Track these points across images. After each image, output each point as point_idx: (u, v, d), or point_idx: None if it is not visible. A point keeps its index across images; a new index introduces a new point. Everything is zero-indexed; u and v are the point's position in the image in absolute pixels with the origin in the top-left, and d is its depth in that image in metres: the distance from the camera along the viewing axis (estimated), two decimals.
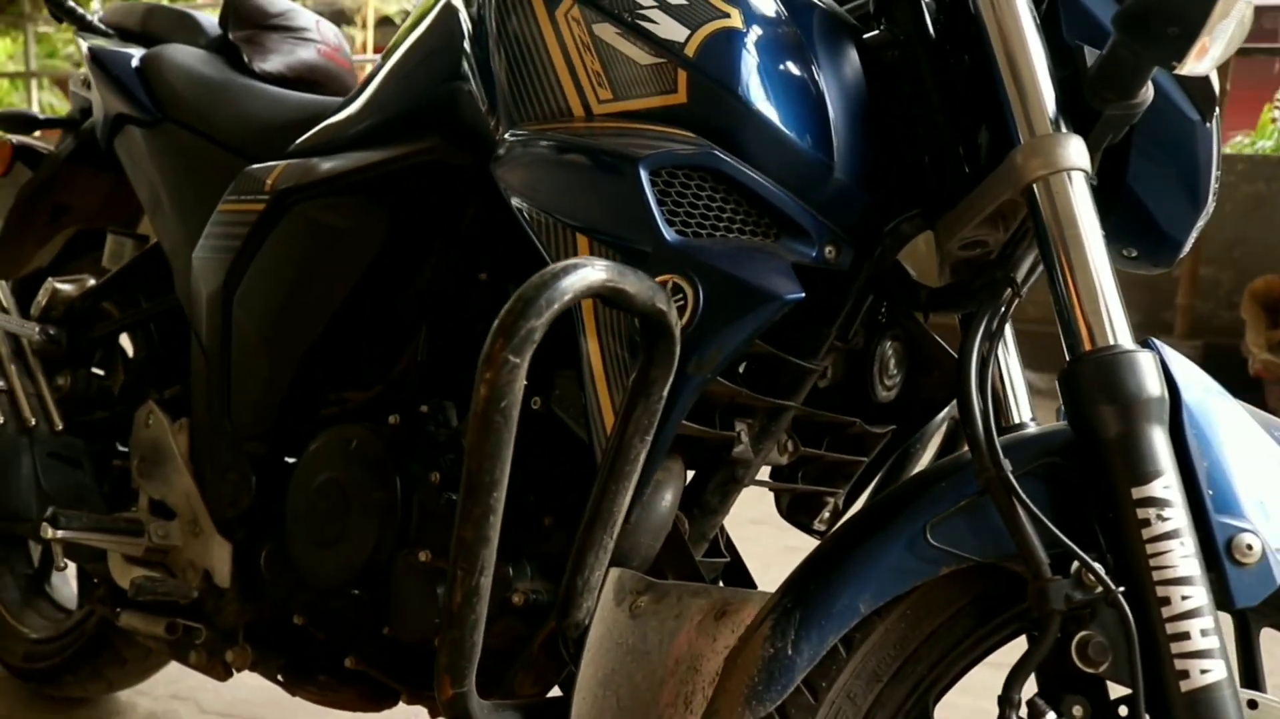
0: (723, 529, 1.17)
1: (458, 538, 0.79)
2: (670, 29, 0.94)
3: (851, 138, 0.96)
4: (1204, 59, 0.81)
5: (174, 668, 1.65)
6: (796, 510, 1.21)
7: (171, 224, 1.43)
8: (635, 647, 0.96)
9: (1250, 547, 0.80)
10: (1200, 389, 0.85)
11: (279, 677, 1.29)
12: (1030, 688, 0.82)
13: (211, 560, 1.31)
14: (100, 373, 1.60)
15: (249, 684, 1.47)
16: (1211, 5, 0.78)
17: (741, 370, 1.05)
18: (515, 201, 1.01)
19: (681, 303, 0.90)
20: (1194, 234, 1.00)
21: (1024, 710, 0.80)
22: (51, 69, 9.15)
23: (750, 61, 0.93)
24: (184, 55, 1.53)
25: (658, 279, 0.91)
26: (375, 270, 1.22)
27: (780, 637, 0.84)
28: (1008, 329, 1.07)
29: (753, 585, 1.15)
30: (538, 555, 1.09)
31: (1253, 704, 0.84)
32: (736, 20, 0.94)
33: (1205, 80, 0.92)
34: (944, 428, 1.23)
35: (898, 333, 1.14)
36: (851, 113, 0.96)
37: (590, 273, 0.76)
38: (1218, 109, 0.95)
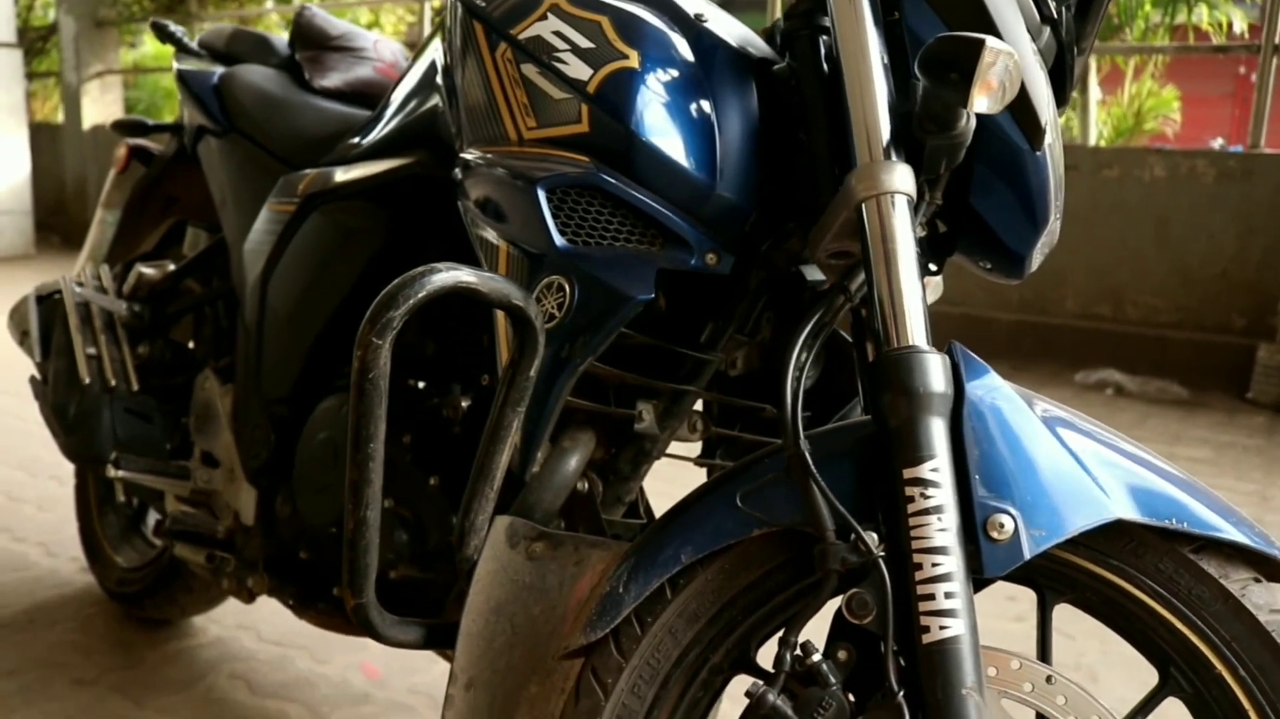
0: (643, 494, 1.34)
1: (349, 480, 0.99)
2: (578, 69, 1.10)
3: (738, 161, 1.09)
4: (990, 99, 0.92)
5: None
6: None
7: (232, 220, 1.69)
8: (532, 584, 1.14)
9: (1003, 525, 0.89)
10: (986, 389, 0.95)
11: (290, 602, 1.53)
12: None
13: (240, 503, 1.56)
14: (175, 345, 1.88)
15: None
16: (978, 53, 0.89)
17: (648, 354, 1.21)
18: (462, 210, 1.21)
19: (562, 299, 1.08)
20: (1039, 250, 1.10)
21: (799, 650, 0.94)
22: None
23: (642, 97, 1.08)
24: (254, 74, 1.78)
25: (548, 278, 1.09)
26: (378, 263, 1.43)
27: (617, 578, 1.01)
28: None
29: None
30: None
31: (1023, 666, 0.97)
32: (634, 61, 1.09)
33: (1032, 111, 1.02)
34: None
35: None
36: (741, 139, 1.10)
37: (443, 276, 0.95)
38: (1048, 138, 1.05)
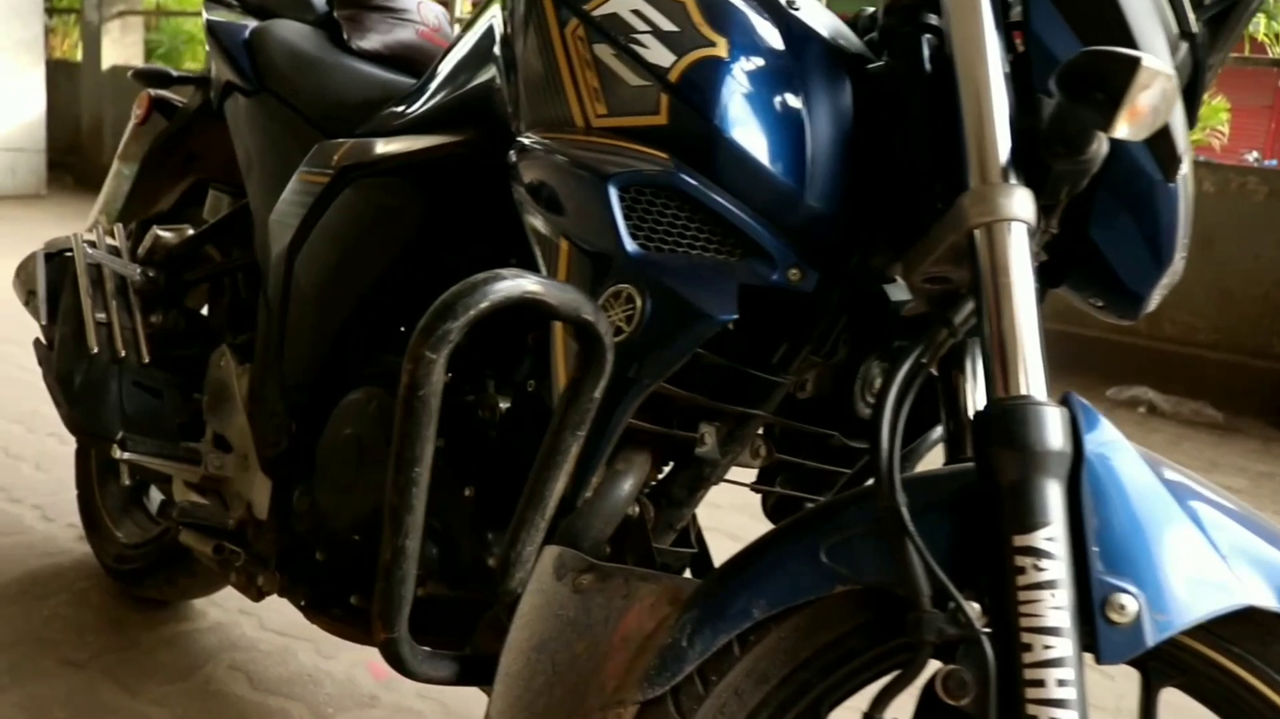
0: (694, 522, 1.23)
1: (388, 505, 0.89)
2: (658, 54, 0.99)
3: (829, 167, 0.98)
4: (1135, 125, 0.81)
5: None
6: (779, 512, 1.26)
7: (258, 186, 1.57)
8: (576, 619, 1.04)
9: (1124, 607, 0.79)
10: (1108, 449, 0.84)
11: (302, 604, 1.43)
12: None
13: (254, 493, 1.45)
14: (190, 314, 1.77)
15: None
16: (1133, 74, 0.78)
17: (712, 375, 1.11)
18: (518, 199, 1.09)
19: (631, 312, 0.97)
20: (1159, 290, 0.99)
21: None
22: None
23: (729, 90, 0.97)
24: (288, 30, 1.66)
25: (615, 286, 0.98)
26: (414, 247, 1.32)
27: (680, 628, 0.91)
28: (979, 360, 1.08)
29: None
30: None
31: None
32: (721, 50, 0.98)
33: (1169, 139, 0.91)
34: (939, 447, 1.26)
35: (885, 353, 1.17)
36: (833, 143, 0.99)
37: (507, 284, 0.84)
38: (1183, 168, 0.95)
